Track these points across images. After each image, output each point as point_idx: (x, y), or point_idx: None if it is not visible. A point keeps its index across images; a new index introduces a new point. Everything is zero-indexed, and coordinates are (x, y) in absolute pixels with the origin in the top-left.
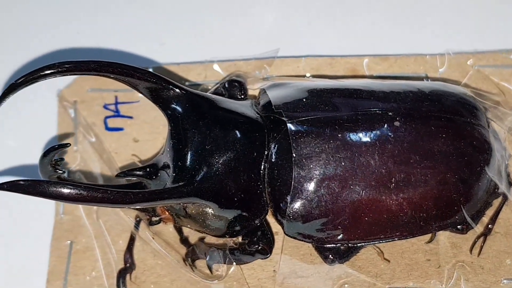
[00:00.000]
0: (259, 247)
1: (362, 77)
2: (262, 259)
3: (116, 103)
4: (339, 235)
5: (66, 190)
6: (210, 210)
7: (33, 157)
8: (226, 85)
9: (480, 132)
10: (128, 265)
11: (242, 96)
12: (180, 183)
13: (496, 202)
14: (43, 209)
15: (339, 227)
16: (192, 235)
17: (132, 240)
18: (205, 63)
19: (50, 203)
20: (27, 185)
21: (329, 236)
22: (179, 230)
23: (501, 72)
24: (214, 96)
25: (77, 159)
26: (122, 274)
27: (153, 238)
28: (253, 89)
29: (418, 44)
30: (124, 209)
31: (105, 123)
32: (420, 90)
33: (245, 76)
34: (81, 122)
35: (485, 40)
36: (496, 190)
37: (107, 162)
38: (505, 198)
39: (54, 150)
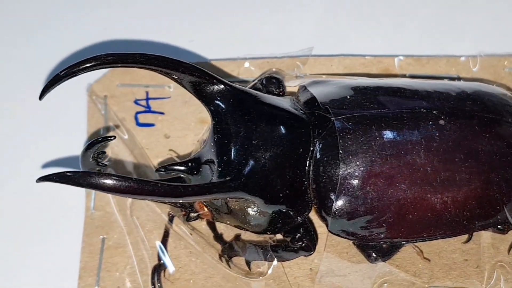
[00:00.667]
0: (303, 244)
1: (395, 76)
2: (305, 256)
3: (147, 99)
4: (383, 233)
5: (116, 182)
6: (254, 206)
7: (62, 152)
8: (264, 82)
9: None
10: (162, 261)
11: (280, 93)
12: (227, 178)
13: None
14: (73, 204)
15: (383, 224)
16: (227, 232)
17: (166, 235)
18: (237, 60)
19: (81, 199)
20: (78, 176)
21: (373, 233)
22: (213, 227)
23: None
24: (257, 92)
25: (108, 154)
26: (156, 271)
27: (191, 234)
28: (290, 87)
29: (449, 46)
30: (159, 204)
31: (136, 118)
32: (462, 89)
33: (282, 74)
34: (112, 117)
35: None
36: None
37: (139, 158)
38: None
39: (98, 143)
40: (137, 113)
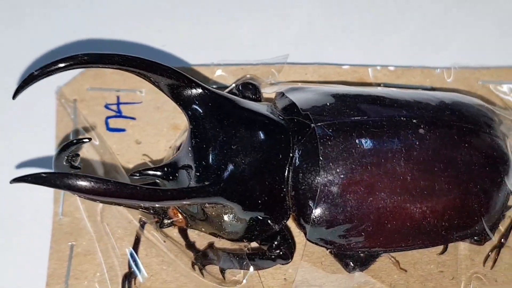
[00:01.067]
0: (281, 252)
1: (370, 85)
2: (282, 264)
3: (118, 103)
4: (361, 242)
5: (94, 184)
6: (231, 212)
7: (30, 155)
8: (240, 87)
9: (498, 143)
10: (132, 269)
11: (257, 99)
12: (206, 183)
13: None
14: (41, 210)
15: (362, 233)
16: (199, 241)
17: (137, 242)
18: (211, 67)
19: (49, 204)
20: (54, 177)
21: (352, 242)
22: (185, 235)
23: (505, 87)
24: (235, 97)
25: (77, 159)
26: (127, 279)
27: (164, 241)
28: (265, 93)
29: (424, 58)
30: (130, 210)
31: (107, 123)
32: (440, 99)
33: (258, 80)
34: (81, 122)
35: (489, 56)
36: (506, 204)
37: (110, 163)
38: None
39: (73, 145)
40: (108, 117)
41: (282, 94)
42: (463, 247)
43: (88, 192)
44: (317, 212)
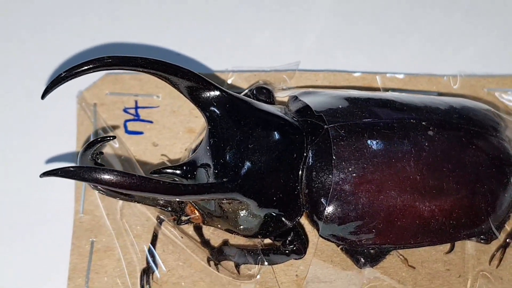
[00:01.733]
0: (294, 247)
1: (378, 90)
2: (296, 259)
3: (136, 107)
4: (372, 238)
5: (120, 178)
6: (247, 209)
7: (52, 157)
8: (255, 92)
9: (504, 146)
10: (150, 265)
11: (271, 103)
12: (224, 179)
13: None
14: (62, 209)
15: (373, 230)
16: (213, 239)
17: (154, 239)
18: (225, 73)
19: (70, 203)
20: (82, 171)
21: (362, 239)
22: (200, 233)
23: (509, 94)
24: (251, 99)
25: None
26: (145, 273)
27: (182, 237)
28: (278, 97)
29: (431, 67)
30: (149, 208)
31: (125, 126)
32: (449, 104)
33: (271, 85)
34: (101, 124)
35: (494, 65)
36: None
37: (128, 164)
38: None
39: (98, 143)
40: (126, 121)
41: (295, 98)
42: (469, 246)
43: (113, 185)
44: (329, 209)
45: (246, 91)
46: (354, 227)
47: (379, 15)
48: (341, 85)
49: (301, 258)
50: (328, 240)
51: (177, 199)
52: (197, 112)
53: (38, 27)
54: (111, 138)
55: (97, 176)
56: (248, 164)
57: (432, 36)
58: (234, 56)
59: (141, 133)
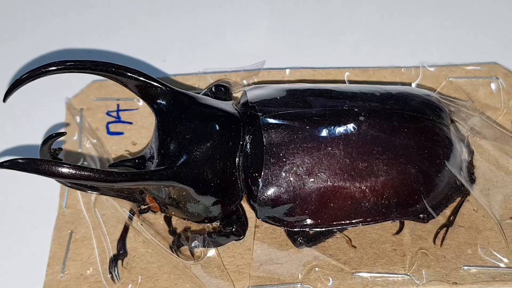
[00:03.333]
0: (233, 229)
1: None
2: (236, 240)
3: (118, 110)
4: (306, 219)
5: (57, 168)
6: (189, 196)
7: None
8: (213, 89)
9: (441, 128)
10: (120, 252)
11: (227, 99)
12: (161, 167)
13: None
14: (49, 205)
15: (306, 211)
16: (180, 227)
17: (125, 230)
18: (198, 75)
19: (55, 197)
20: (25, 162)
21: (297, 220)
22: (168, 222)
23: (472, 83)
24: (196, 94)
25: (81, 159)
26: (114, 260)
27: (141, 225)
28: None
29: (395, 58)
30: (119, 201)
31: (107, 128)
32: (387, 91)
33: (231, 83)
34: (86, 127)
35: (457, 55)
36: (459, 186)
37: (106, 163)
38: (466, 193)
39: (52, 139)
40: (108, 123)
41: (244, 92)
42: (418, 228)
43: (54, 175)
44: (263, 192)
45: (205, 89)
46: (288, 209)
47: (342, 12)
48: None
49: (240, 239)
50: (266, 222)
51: (116, 186)
52: None
53: (13, 31)
54: (63, 133)
55: (38, 167)
56: (184, 153)
57: (395, 30)
58: (207, 60)
59: (121, 133)
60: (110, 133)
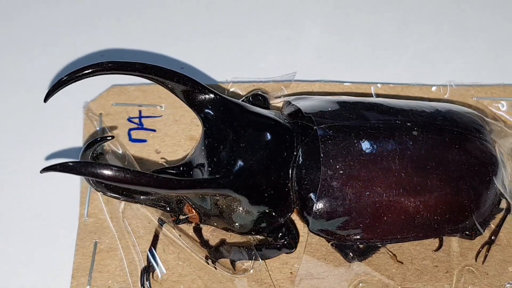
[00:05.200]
0: (285, 242)
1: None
2: (287, 253)
3: (140, 117)
4: (359, 233)
5: (114, 173)
6: (240, 206)
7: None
8: (251, 98)
9: (487, 146)
10: (151, 264)
11: (266, 108)
12: (217, 175)
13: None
14: (68, 212)
15: (360, 225)
16: (212, 240)
17: (155, 240)
18: (225, 84)
19: (75, 207)
20: (80, 165)
21: (351, 234)
22: (200, 234)
23: (497, 103)
24: (244, 103)
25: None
26: (146, 272)
27: (180, 236)
28: (274, 104)
29: (423, 77)
30: (150, 210)
31: (129, 134)
32: (434, 107)
33: (268, 93)
34: (106, 133)
35: (482, 75)
36: (497, 205)
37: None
38: (508, 210)
39: (97, 143)
40: (130, 129)
41: (288, 103)
42: (456, 245)
43: (109, 179)
44: (318, 204)
45: (243, 98)
46: (342, 222)
47: (371, 29)
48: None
49: (291, 252)
50: (318, 235)
51: (172, 194)
52: (198, 121)
53: (43, 33)
54: (110, 137)
55: (94, 170)
56: (240, 161)
57: (422, 48)
58: (235, 68)
59: (144, 141)
60: (132, 140)
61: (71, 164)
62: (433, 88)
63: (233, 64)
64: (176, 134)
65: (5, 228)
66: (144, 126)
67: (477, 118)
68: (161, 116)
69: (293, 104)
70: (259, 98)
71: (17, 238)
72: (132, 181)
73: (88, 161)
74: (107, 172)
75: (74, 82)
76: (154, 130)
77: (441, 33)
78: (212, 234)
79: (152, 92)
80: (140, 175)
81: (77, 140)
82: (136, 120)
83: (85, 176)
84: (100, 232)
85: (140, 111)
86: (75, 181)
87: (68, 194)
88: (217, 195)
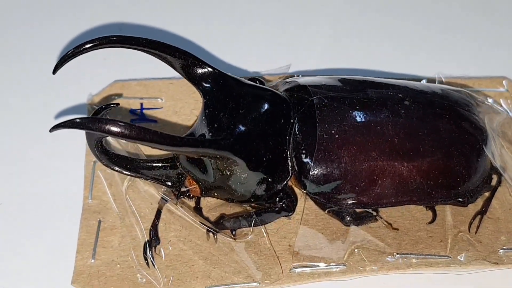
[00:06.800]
0: (284, 204)
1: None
2: (286, 216)
3: (142, 109)
4: (355, 197)
5: (121, 128)
6: (239, 171)
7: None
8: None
9: (476, 118)
10: (153, 239)
11: None
12: (218, 138)
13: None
14: (72, 196)
15: (356, 188)
16: (212, 217)
17: (158, 217)
18: None
19: (80, 191)
20: (87, 121)
21: (347, 197)
22: (200, 212)
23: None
24: (241, 78)
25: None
26: (148, 245)
27: (181, 207)
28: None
29: (414, 67)
30: (153, 187)
31: None
32: (424, 84)
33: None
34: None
35: (472, 67)
36: (489, 180)
37: (134, 153)
38: (499, 182)
39: (102, 111)
40: (132, 120)
41: (284, 82)
42: (450, 218)
43: (116, 134)
44: (315, 168)
45: None
46: (338, 185)
47: (363, 25)
48: None
49: (290, 215)
50: (315, 200)
51: (176, 151)
52: (197, 111)
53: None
54: (114, 105)
55: (101, 126)
56: (239, 126)
57: (413, 42)
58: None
59: None
60: None
61: (78, 120)
62: (423, 81)
63: (231, 60)
64: (175, 125)
65: (14, 211)
66: (146, 117)
67: (465, 95)
68: (162, 108)
69: (289, 81)
70: (256, 82)
71: (25, 222)
72: (138, 137)
73: (95, 117)
74: (113, 127)
75: (80, 54)
76: (155, 121)
77: (431, 27)
78: (212, 214)
79: (153, 87)
80: (145, 131)
81: (81, 132)
82: (138, 112)
83: (94, 131)
84: (103, 212)
85: (141, 104)
86: (80, 163)
87: (73, 179)
88: (218, 160)
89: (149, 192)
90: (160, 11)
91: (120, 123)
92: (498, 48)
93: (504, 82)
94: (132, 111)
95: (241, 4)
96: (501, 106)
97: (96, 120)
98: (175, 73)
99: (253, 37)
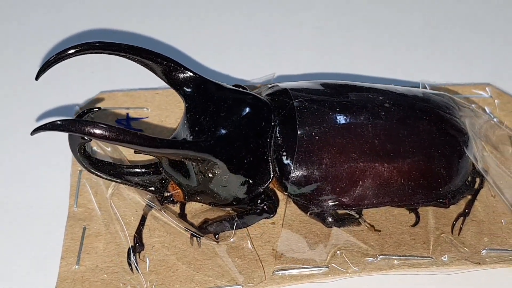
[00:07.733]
0: (265, 206)
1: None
2: (267, 217)
3: (128, 119)
4: (336, 198)
5: (101, 130)
6: (221, 174)
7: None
8: None
9: (457, 121)
10: (137, 245)
11: None
12: (198, 140)
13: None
14: (58, 204)
15: (337, 189)
16: (195, 222)
17: (142, 223)
18: None
19: (65, 199)
20: (68, 123)
21: (328, 198)
22: (184, 218)
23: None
24: (222, 83)
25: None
26: (132, 251)
27: (165, 212)
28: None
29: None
30: (138, 193)
31: None
32: (405, 88)
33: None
34: None
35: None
36: (474, 179)
37: (118, 157)
38: (481, 184)
39: (85, 115)
40: None
41: (266, 87)
42: (433, 221)
43: (95, 136)
44: (295, 170)
45: None
46: (320, 186)
47: (347, 33)
48: None
49: (272, 217)
50: (296, 201)
51: (156, 152)
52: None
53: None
54: (97, 109)
55: (82, 127)
56: (219, 129)
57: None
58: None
59: None
60: None
61: (59, 122)
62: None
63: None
64: (161, 133)
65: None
66: (132, 127)
67: (448, 99)
68: (147, 117)
69: (271, 86)
70: (240, 88)
71: (10, 229)
72: (118, 138)
73: (76, 119)
74: (93, 129)
75: (62, 60)
76: (141, 130)
77: (415, 35)
78: (196, 220)
79: (139, 97)
80: (125, 132)
81: (67, 141)
82: (124, 122)
83: (73, 132)
84: (89, 219)
85: (127, 114)
86: (66, 173)
87: (59, 187)
88: (199, 163)
89: (134, 199)
90: (148, 20)
91: (101, 125)
92: (482, 56)
93: (487, 88)
94: (118, 121)
95: (227, 14)
96: (485, 112)
97: (76, 121)
98: (160, 83)
99: (239, 46)
